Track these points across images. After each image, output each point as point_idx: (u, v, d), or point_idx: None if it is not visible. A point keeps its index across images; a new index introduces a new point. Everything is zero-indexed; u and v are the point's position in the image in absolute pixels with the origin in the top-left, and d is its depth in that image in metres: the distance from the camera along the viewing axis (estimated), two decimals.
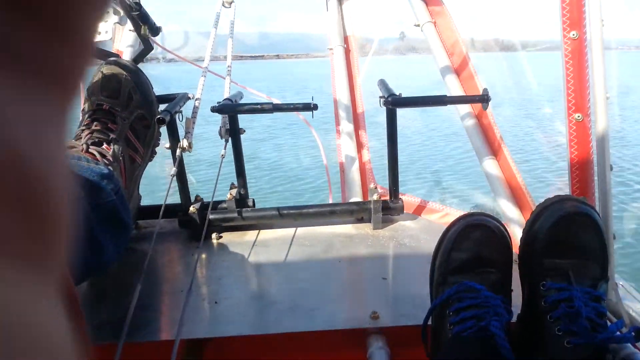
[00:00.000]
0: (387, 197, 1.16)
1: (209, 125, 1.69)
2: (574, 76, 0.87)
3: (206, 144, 4.26)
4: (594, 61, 0.85)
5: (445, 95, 1.13)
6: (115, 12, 1.17)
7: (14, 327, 0.11)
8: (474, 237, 0.75)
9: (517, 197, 1.09)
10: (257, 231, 1.14)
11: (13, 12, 0.13)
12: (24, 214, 0.13)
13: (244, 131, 1.17)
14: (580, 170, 0.88)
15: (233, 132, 1.15)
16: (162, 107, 1.08)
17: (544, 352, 0.68)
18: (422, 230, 1.12)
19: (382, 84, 1.16)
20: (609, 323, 0.67)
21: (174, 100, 1.08)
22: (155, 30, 1.14)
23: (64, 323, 0.14)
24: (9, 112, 0.12)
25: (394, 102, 1.06)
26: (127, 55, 1.38)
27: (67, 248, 0.15)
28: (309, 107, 1.08)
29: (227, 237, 1.12)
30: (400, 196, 1.17)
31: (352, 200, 1.31)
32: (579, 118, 0.87)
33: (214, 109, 1.11)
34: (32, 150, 0.13)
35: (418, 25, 1.38)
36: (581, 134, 0.87)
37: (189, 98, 1.13)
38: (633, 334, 0.64)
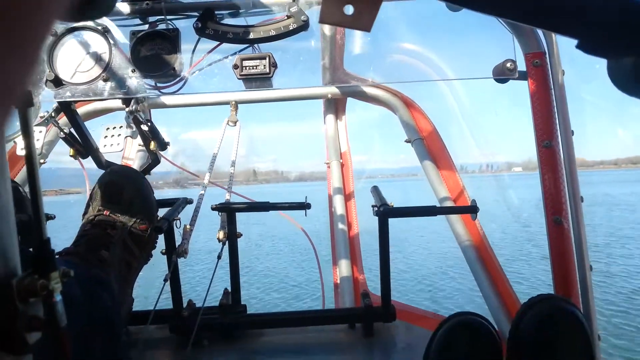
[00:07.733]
0: (380, 304, 1.16)
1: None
2: (550, 181, 0.92)
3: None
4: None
5: (435, 206, 1.16)
6: (128, 126, 1.27)
7: None
8: (463, 337, 0.75)
9: (504, 295, 1.09)
10: (249, 336, 1.12)
11: None
12: None
13: (241, 235, 1.19)
14: (562, 269, 0.90)
15: (230, 234, 1.17)
16: (162, 210, 1.12)
17: None
18: (413, 337, 1.10)
19: (375, 191, 1.19)
20: None
21: (174, 205, 1.11)
22: (163, 146, 1.23)
23: None
24: None
25: (385, 213, 1.08)
26: (135, 166, 1.47)
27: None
28: (303, 206, 1.12)
29: (219, 343, 1.10)
30: (392, 303, 1.16)
31: (345, 307, 1.30)
32: (557, 220, 0.90)
33: (214, 207, 1.15)
34: None
35: (409, 141, 1.47)
36: (560, 237, 0.90)
37: (189, 203, 1.17)
38: None
